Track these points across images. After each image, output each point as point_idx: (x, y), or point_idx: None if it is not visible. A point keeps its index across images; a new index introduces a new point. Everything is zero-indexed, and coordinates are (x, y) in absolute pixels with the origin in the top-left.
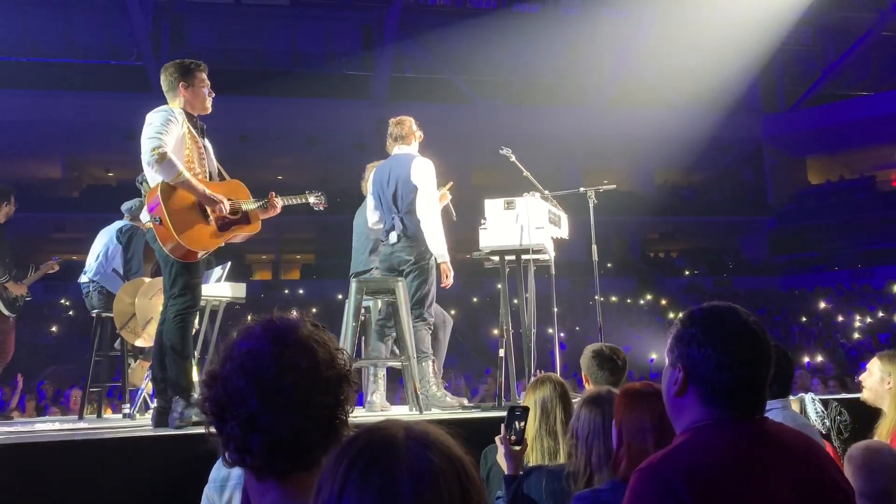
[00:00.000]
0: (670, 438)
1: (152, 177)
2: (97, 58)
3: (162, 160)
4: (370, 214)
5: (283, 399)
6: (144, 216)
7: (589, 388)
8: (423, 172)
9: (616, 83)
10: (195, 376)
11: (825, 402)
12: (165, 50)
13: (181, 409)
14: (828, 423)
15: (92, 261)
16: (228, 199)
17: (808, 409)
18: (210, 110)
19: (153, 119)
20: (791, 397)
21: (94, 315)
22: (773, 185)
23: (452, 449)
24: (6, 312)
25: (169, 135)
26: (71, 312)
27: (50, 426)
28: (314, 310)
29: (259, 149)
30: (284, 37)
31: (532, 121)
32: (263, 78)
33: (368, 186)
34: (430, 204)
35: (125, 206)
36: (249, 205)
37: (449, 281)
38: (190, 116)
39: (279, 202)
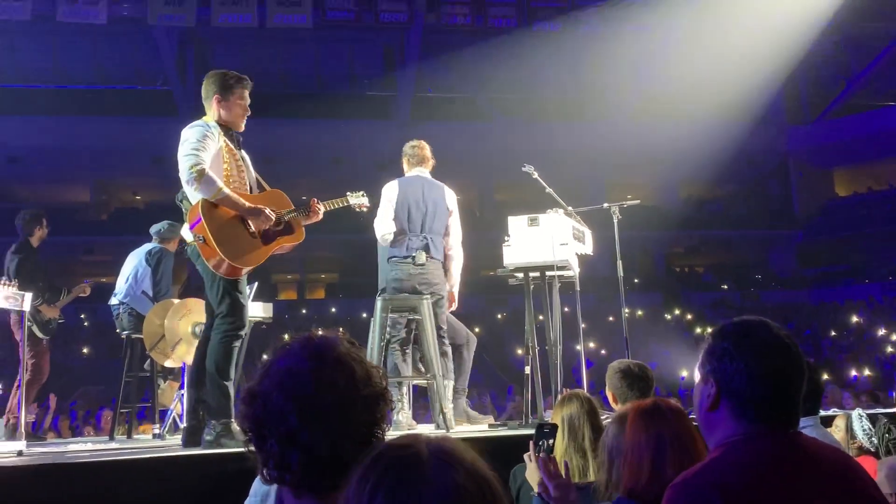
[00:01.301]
0: (671, 457)
1: (192, 194)
2: (124, 83)
3: (200, 177)
4: (387, 224)
5: (322, 416)
6: (186, 234)
7: (618, 407)
8: (455, 201)
9: (638, 98)
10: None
11: (873, 419)
12: (191, 74)
13: (216, 433)
14: (875, 441)
15: (122, 283)
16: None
17: (855, 426)
18: (242, 128)
19: (189, 135)
20: (838, 411)
21: (125, 336)
22: (799, 198)
23: (477, 466)
24: (40, 335)
25: (206, 151)
26: (100, 334)
27: (82, 446)
28: (340, 329)
29: (284, 170)
30: (308, 59)
31: (555, 137)
32: (288, 100)
33: (390, 195)
34: (460, 233)
35: (154, 229)
36: (291, 213)
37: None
38: (226, 129)
39: (321, 207)
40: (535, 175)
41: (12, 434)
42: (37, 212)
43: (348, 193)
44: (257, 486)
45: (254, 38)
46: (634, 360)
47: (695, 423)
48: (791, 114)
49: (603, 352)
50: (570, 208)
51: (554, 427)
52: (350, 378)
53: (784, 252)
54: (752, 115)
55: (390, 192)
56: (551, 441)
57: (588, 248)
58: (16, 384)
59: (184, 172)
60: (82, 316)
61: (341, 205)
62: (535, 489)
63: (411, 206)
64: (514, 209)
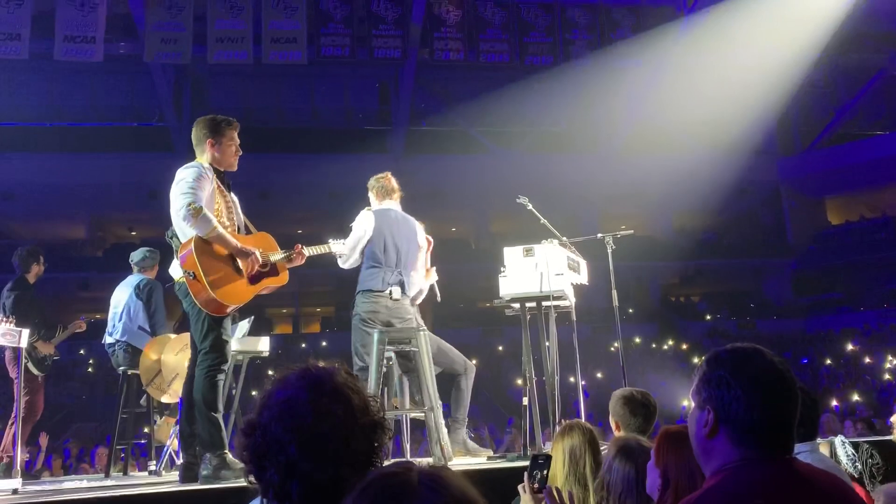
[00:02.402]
0: None
1: (184, 231)
2: (120, 120)
3: (197, 215)
4: (355, 252)
5: (321, 446)
6: (175, 271)
7: (618, 434)
8: (424, 236)
9: (630, 130)
10: (224, 432)
11: (856, 445)
12: (187, 110)
13: (213, 467)
14: (859, 467)
15: (116, 321)
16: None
17: (839, 451)
18: (235, 168)
19: (185, 175)
20: (820, 440)
21: (121, 372)
22: (792, 227)
23: (467, 494)
24: (35, 371)
25: (202, 191)
26: (95, 371)
27: (78, 484)
28: (335, 363)
29: (280, 204)
30: (303, 94)
31: (548, 169)
32: (283, 135)
33: (365, 225)
34: (424, 268)
35: (134, 259)
36: (277, 256)
37: None
38: (218, 171)
39: (305, 252)
40: (530, 206)
41: (7, 472)
42: (34, 248)
43: (330, 241)
44: None
45: (250, 74)
46: (637, 388)
47: None
48: (782, 144)
49: (600, 382)
50: (564, 239)
51: (548, 458)
52: (348, 408)
53: (779, 281)
54: (744, 146)
55: (366, 223)
56: (545, 472)
57: (583, 278)
58: (10, 421)
59: (180, 209)
60: (82, 352)
61: (324, 251)
62: None
63: (387, 241)
64: (510, 240)
